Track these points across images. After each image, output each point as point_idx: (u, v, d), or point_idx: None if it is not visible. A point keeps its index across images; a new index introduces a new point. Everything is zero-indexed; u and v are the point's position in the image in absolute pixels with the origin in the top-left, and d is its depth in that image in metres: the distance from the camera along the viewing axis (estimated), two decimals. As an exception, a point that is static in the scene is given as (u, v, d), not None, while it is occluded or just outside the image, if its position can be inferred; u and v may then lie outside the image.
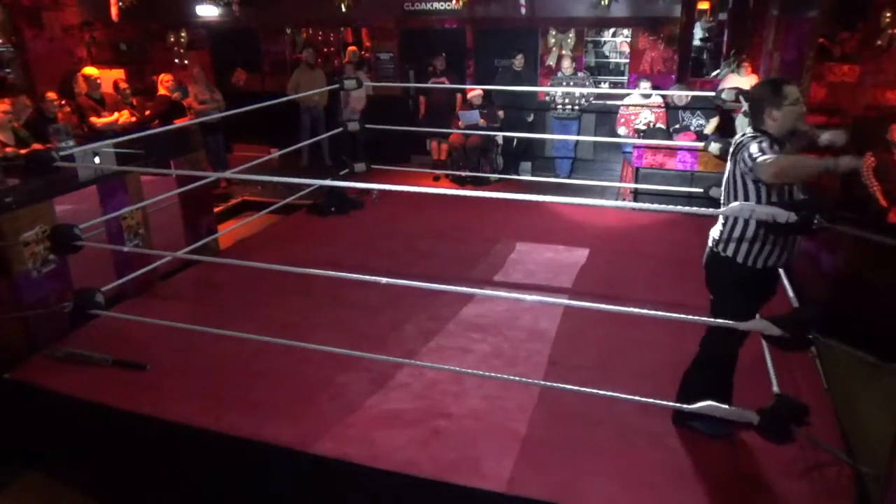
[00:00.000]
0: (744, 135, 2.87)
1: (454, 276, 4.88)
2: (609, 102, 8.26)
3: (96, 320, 4.04)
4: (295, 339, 3.53)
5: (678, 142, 6.84)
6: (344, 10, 9.09)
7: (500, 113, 8.18)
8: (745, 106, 4.91)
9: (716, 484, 2.88)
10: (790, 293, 3.23)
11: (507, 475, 2.91)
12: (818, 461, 2.93)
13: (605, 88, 8.88)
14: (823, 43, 6.76)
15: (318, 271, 3.30)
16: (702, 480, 2.90)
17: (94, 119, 7.44)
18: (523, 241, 5.86)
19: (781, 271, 3.45)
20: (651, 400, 2.93)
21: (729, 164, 2.90)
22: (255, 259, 4.88)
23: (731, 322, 2.73)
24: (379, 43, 10.03)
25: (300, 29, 10.59)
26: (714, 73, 9.42)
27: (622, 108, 7.59)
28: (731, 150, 2.94)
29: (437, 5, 8.93)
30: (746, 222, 2.80)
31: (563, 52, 8.92)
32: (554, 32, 8.95)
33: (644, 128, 7.27)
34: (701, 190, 5.88)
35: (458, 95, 8.54)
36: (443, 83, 8.55)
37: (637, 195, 6.84)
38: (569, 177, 8.61)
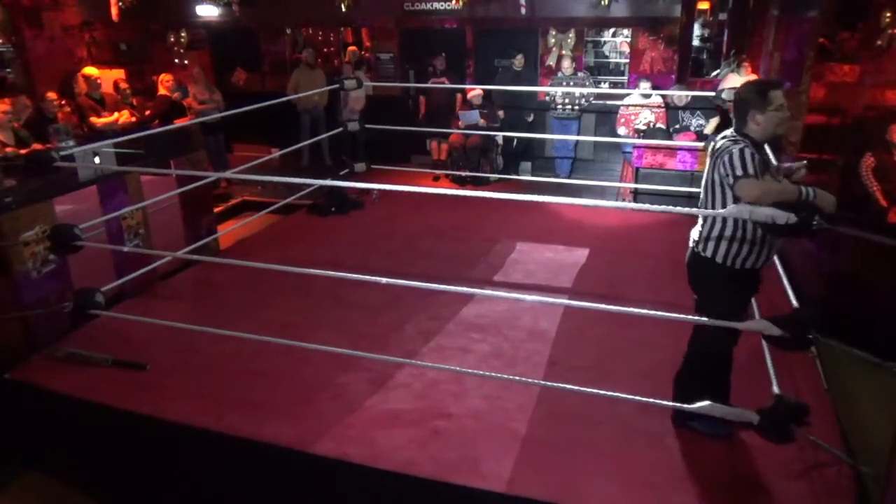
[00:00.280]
0: (724, 137, 2.88)
1: (454, 276, 4.89)
2: (609, 102, 8.25)
3: (96, 320, 4.04)
4: (295, 339, 3.53)
5: (678, 142, 6.83)
6: (344, 10, 9.09)
7: (500, 113, 8.18)
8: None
9: (715, 484, 2.88)
10: (790, 293, 3.23)
11: (507, 475, 2.91)
12: (818, 461, 2.93)
13: (605, 88, 8.88)
14: (823, 43, 6.76)
15: (318, 271, 3.30)
16: (701, 480, 2.90)
17: (94, 119, 7.44)
18: (523, 241, 5.86)
19: (781, 271, 3.46)
20: (651, 400, 2.93)
21: (709, 164, 2.90)
22: (255, 259, 4.89)
23: (730, 322, 2.73)
24: (379, 43, 10.03)
25: (300, 29, 10.60)
26: (714, 73, 9.41)
27: (622, 108, 7.59)
28: (710, 148, 2.94)
29: (437, 5, 8.93)
30: (725, 221, 2.83)
31: (563, 52, 8.91)
32: (554, 32, 8.95)
33: (644, 128, 7.27)
34: (701, 190, 5.88)
35: (458, 95, 8.53)
36: (443, 83, 8.55)
37: (637, 195, 6.84)
38: (569, 177, 8.61)
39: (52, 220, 4.09)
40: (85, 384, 3.65)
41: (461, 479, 2.91)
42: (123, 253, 4.60)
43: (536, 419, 3.31)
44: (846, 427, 3.19)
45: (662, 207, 3.73)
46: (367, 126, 7.39)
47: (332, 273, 3.34)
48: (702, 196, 2.97)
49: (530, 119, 8.62)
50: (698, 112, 7.20)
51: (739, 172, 2.66)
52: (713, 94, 5.71)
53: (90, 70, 8.22)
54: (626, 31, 8.76)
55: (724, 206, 2.82)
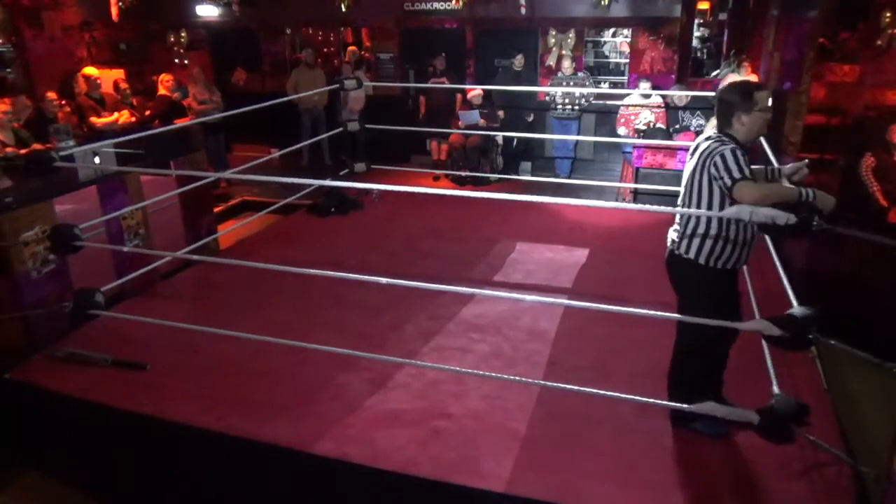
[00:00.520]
0: (709, 138, 2.87)
1: (454, 276, 4.89)
2: (609, 102, 8.25)
3: (96, 320, 4.04)
4: (295, 339, 3.53)
5: (678, 142, 6.83)
6: (344, 10, 9.09)
7: (500, 113, 8.18)
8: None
9: (715, 484, 2.88)
10: (790, 293, 3.23)
11: (507, 475, 2.91)
12: (818, 461, 2.93)
13: (605, 88, 8.88)
14: (823, 43, 6.76)
15: (317, 271, 3.30)
16: (701, 480, 2.90)
17: (94, 119, 7.44)
18: (523, 241, 5.86)
19: (781, 271, 3.46)
20: (650, 400, 2.93)
21: (692, 164, 2.89)
22: (255, 259, 4.89)
23: (733, 323, 2.73)
24: (379, 43, 10.03)
25: (300, 29, 10.59)
26: (714, 73, 9.42)
27: (622, 108, 7.59)
28: (693, 148, 2.94)
29: (437, 5, 8.92)
30: (709, 221, 2.84)
31: (563, 52, 8.91)
32: (554, 32, 8.95)
33: (644, 128, 7.27)
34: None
35: (458, 95, 8.53)
36: (443, 83, 8.55)
37: (637, 195, 6.84)
38: (569, 177, 8.61)
39: (52, 220, 4.09)
40: (85, 384, 3.65)
41: (461, 479, 2.90)
42: (123, 253, 4.60)
43: (536, 419, 3.31)
44: (846, 427, 3.19)
45: (662, 208, 3.73)
46: (367, 126, 7.39)
47: (332, 273, 3.34)
48: (684, 195, 2.96)
49: (530, 119, 8.62)
50: (698, 112, 7.20)
51: (737, 175, 2.66)
52: (713, 94, 5.71)
53: (90, 70, 8.22)
54: (626, 31, 8.76)
55: (710, 206, 2.82)
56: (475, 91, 8.00)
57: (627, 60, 8.82)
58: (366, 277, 3.23)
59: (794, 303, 2.85)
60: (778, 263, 3.52)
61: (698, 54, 11.37)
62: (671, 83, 8.14)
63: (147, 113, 7.84)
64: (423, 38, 9.61)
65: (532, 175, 8.77)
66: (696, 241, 2.89)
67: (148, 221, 4.94)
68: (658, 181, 6.63)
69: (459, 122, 8.05)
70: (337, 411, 3.39)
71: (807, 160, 3.15)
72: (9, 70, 9.46)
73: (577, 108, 8.41)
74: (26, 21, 9.28)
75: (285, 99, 6.70)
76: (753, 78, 7.48)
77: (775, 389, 2.91)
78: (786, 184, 3.00)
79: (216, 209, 6.60)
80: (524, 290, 4.77)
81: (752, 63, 7.60)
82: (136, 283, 4.51)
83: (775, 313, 2.58)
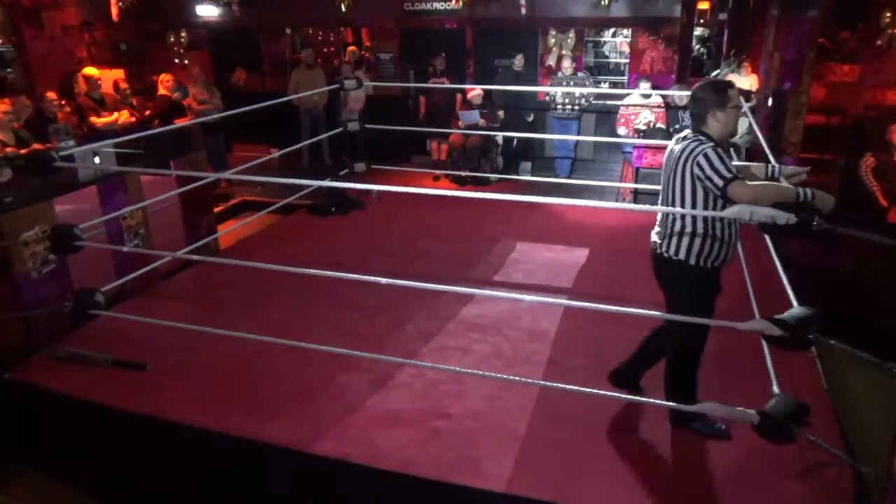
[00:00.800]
0: (685, 138, 2.88)
1: (454, 276, 4.89)
2: (609, 102, 8.25)
3: (96, 320, 4.03)
4: (295, 339, 3.53)
5: (678, 142, 6.82)
6: (344, 10, 9.09)
7: (500, 113, 8.17)
8: (745, 106, 4.91)
9: (715, 484, 2.88)
10: (790, 293, 3.23)
11: (507, 475, 2.91)
12: (818, 461, 2.93)
13: (605, 88, 8.88)
14: (823, 43, 6.76)
15: (318, 271, 3.29)
16: (701, 480, 2.90)
17: (94, 119, 7.43)
18: (523, 241, 5.86)
19: (781, 270, 3.45)
20: (650, 400, 2.93)
21: (671, 165, 2.90)
22: (255, 259, 4.89)
23: (733, 323, 2.73)
24: (379, 43, 10.03)
25: (300, 29, 10.59)
26: (714, 74, 9.42)
27: (622, 108, 7.59)
28: (671, 147, 2.95)
29: (437, 5, 8.92)
30: (695, 219, 2.85)
31: (563, 52, 8.92)
32: (554, 32, 8.95)
33: (644, 128, 7.27)
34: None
35: (458, 95, 8.53)
36: (443, 83, 8.54)
37: (637, 195, 6.84)
38: (569, 177, 8.61)
39: (52, 220, 4.09)
40: (85, 384, 3.65)
41: (461, 479, 2.90)
42: (123, 253, 4.60)
43: (536, 419, 3.31)
44: (846, 427, 3.19)
45: (663, 207, 3.73)
46: (367, 126, 7.39)
47: (332, 273, 3.34)
48: (665, 196, 2.97)
49: (530, 119, 8.62)
50: (698, 112, 7.18)
51: (728, 175, 2.67)
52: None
53: (90, 70, 8.22)
54: (626, 31, 8.76)
55: (694, 205, 2.84)
56: (475, 91, 8.00)
57: (627, 60, 8.83)
58: (366, 277, 3.23)
59: (794, 303, 2.85)
60: (778, 263, 3.52)
61: (698, 54, 11.38)
62: (671, 83, 8.14)
63: (147, 113, 7.83)
64: (423, 38, 9.61)
65: (532, 175, 8.76)
66: (685, 241, 2.90)
67: (148, 221, 4.94)
68: (658, 181, 6.61)
69: (459, 122, 8.05)
70: (337, 411, 3.39)
71: (808, 168, 3.16)
72: (9, 70, 9.46)
73: (577, 108, 8.41)
74: (26, 21, 9.28)
75: (285, 99, 6.69)
76: (754, 78, 7.49)
77: (775, 389, 2.91)
78: (784, 183, 3.00)
79: (216, 209, 6.61)
80: (524, 291, 4.77)
81: (752, 63, 7.60)
82: (136, 283, 4.50)
83: (775, 313, 2.58)
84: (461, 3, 8.63)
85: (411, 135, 8.20)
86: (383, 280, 3.13)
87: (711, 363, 3.55)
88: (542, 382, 3.42)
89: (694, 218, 2.85)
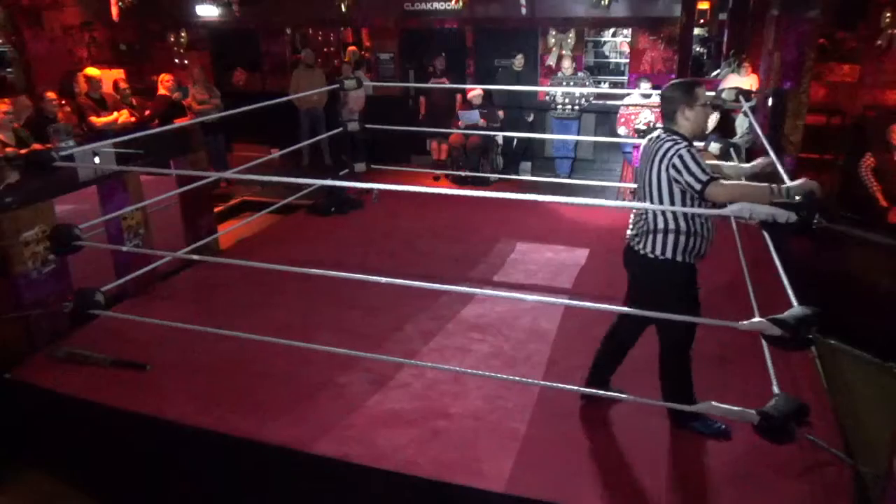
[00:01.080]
0: (658, 137, 2.90)
1: (454, 276, 4.88)
2: (609, 102, 8.25)
3: (96, 320, 4.03)
4: (295, 340, 3.53)
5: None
6: (344, 10, 9.10)
7: (500, 113, 8.17)
8: (745, 106, 4.91)
9: (716, 484, 2.88)
10: (790, 293, 3.23)
11: (507, 475, 2.91)
12: (818, 461, 2.93)
13: (605, 88, 8.88)
14: (823, 43, 6.76)
15: (318, 271, 3.29)
16: (702, 480, 2.90)
17: (93, 119, 7.44)
18: (523, 241, 5.86)
19: (781, 270, 3.45)
20: (651, 400, 2.93)
21: (647, 160, 2.91)
22: (255, 259, 4.88)
23: (731, 322, 2.73)
24: (379, 43, 10.03)
25: (300, 29, 10.60)
26: (714, 74, 9.42)
27: (622, 108, 7.58)
28: (645, 145, 2.97)
29: (437, 5, 8.93)
30: (675, 215, 2.87)
31: (563, 52, 8.92)
32: (554, 32, 8.95)
33: (644, 128, 7.26)
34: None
35: (458, 95, 8.53)
36: (443, 83, 8.55)
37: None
38: (569, 177, 8.61)
39: (52, 220, 4.09)
40: (85, 384, 3.65)
41: (461, 479, 2.90)
42: (123, 253, 4.60)
43: (536, 419, 3.31)
44: (846, 427, 3.19)
45: (662, 207, 3.73)
46: (367, 126, 7.39)
47: (332, 273, 3.33)
48: (643, 193, 2.97)
49: (530, 119, 8.62)
50: (698, 112, 7.18)
51: (703, 177, 2.69)
52: (713, 94, 5.70)
53: (91, 70, 8.22)
54: (626, 31, 8.76)
55: (672, 202, 2.86)
56: (475, 91, 8.00)
57: (627, 60, 8.83)
58: (366, 277, 3.23)
59: (794, 302, 2.85)
60: (778, 263, 3.52)
61: (698, 54, 11.37)
62: (671, 83, 8.13)
63: (147, 113, 7.84)
64: (423, 38, 9.61)
65: (532, 175, 8.77)
66: (670, 238, 2.90)
67: (148, 221, 4.94)
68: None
69: (459, 122, 8.05)
70: (337, 411, 3.39)
71: (770, 159, 3.19)
72: (9, 70, 9.47)
73: (577, 108, 8.41)
74: (26, 21, 9.29)
75: (285, 99, 6.70)
76: (754, 78, 7.49)
77: (775, 389, 2.91)
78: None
79: (216, 209, 6.60)
80: (524, 291, 4.77)
81: (752, 63, 7.60)
82: (137, 283, 4.51)
83: (775, 313, 2.58)
84: (461, 3, 8.64)
85: (411, 135, 8.20)
86: (383, 280, 3.13)
87: (711, 363, 3.56)
88: (542, 382, 3.42)
89: (675, 215, 2.87)
